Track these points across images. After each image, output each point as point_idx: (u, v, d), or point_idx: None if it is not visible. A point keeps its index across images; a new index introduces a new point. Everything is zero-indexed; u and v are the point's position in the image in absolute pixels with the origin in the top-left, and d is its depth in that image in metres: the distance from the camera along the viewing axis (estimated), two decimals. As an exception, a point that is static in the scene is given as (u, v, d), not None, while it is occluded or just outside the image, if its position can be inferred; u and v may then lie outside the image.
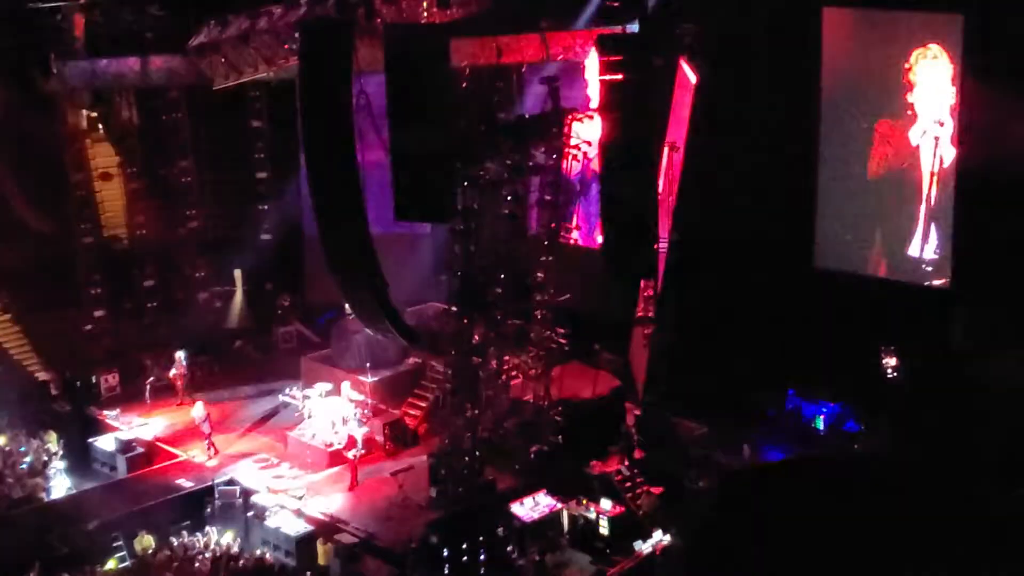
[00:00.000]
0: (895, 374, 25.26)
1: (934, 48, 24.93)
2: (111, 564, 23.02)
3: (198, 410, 27.77)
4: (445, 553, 22.17)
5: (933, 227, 25.61)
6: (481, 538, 22.54)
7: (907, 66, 25.44)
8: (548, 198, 27.08)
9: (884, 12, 25.43)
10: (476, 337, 26.19)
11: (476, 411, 25.76)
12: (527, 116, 28.08)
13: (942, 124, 25.12)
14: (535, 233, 27.98)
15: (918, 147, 25.46)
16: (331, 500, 25.35)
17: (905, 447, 22.99)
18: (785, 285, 25.77)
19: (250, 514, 24.78)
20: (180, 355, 30.41)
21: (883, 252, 26.44)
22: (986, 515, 19.34)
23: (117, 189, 33.91)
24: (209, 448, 27.47)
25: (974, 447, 22.42)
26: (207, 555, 22.77)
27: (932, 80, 25.12)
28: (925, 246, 25.84)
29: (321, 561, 23.39)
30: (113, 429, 28.85)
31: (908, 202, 25.74)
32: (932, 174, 25.50)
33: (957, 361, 24.16)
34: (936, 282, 25.60)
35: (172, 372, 30.29)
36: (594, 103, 28.11)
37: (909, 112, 25.56)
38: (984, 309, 23.81)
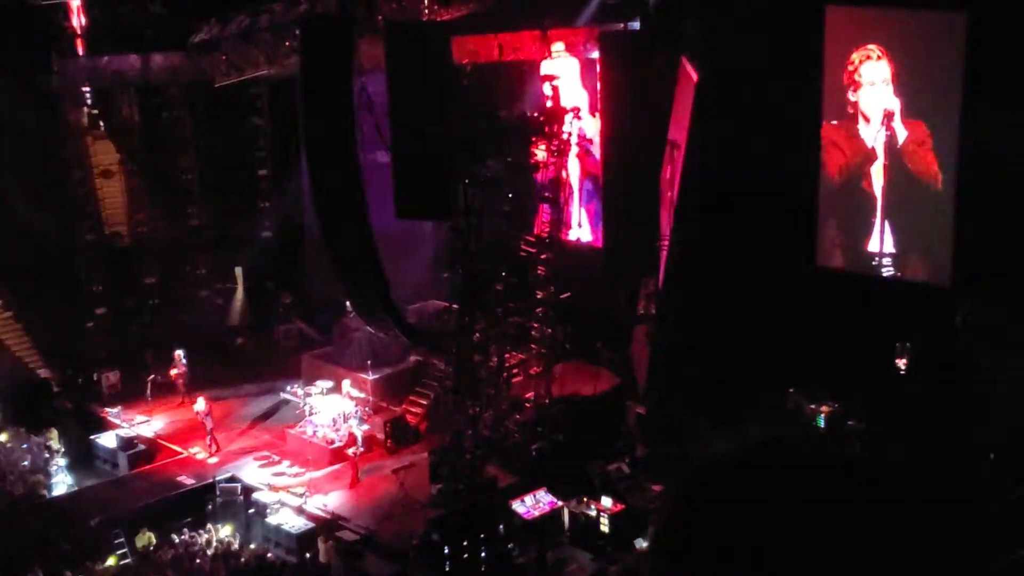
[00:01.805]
0: (904, 371, 25.27)
1: (875, 49, 24.89)
2: (112, 561, 23.04)
3: (201, 404, 27.76)
4: (446, 550, 22.19)
5: (887, 223, 25.63)
6: (482, 536, 22.56)
7: (851, 67, 25.39)
8: (549, 196, 27.09)
9: (864, 10, 25.40)
10: (477, 335, 26.21)
11: (477, 409, 25.78)
12: (528, 114, 28.09)
13: (891, 119, 25.05)
14: (536, 231, 28.01)
15: (873, 148, 25.46)
16: (332, 497, 25.37)
17: (904, 445, 23.00)
18: (787, 283, 25.75)
19: (251, 511, 24.82)
20: (179, 354, 30.30)
21: (841, 246, 26.51)
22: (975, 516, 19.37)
23: (118, 186, 33.92)
24: (211, 444, 27.50)
25: (975, 446, 22.42)
26: (208, 552, 22.80)
27: (876, 80, 25.05)
28: (883, 241, 25.86)
29: (322, 558, 23.41)
30: (114, 426, 28.87)
31: (866, 199, 25.81)
32: (884, 169, 25.46)
33: (959, 360, 24.14)
34: (888, 273, 25.69)
35: (173, 372, 30.18)
36: (596, 101, 28.16)
37: (851, 111, 25.56)
38: (986, 308, 23.79)
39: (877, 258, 25.84)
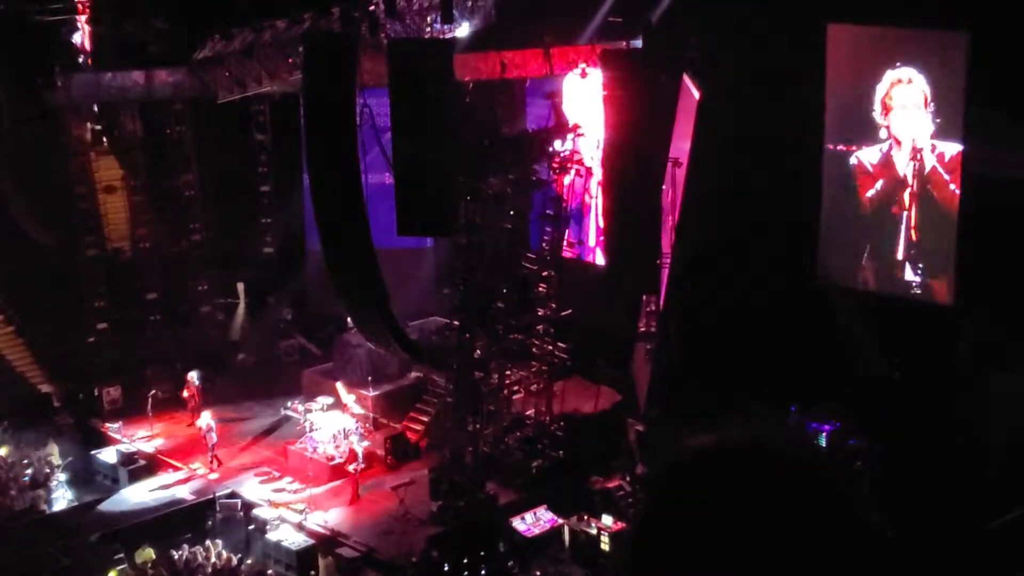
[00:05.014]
0: (906, 389, 25.23)
1: (906, 71, 24.80)
2: (112, 576, 23.04)
3: (205, 420, 27.71)
4: (446, 568, 22.15)
5: (915, 250, 25.49)
6: (482, 553, 22.52)
7: (883, 90, 25.26)
8: (550, 213, 27.12)
9: (880, 28, 25.38)
10: (478, 351, 26.21)
11: (478, 425, 25.76)
12: (530, 131, 28.13)
13: (920, 149, 24.90)
14: (537, 248, 28.02)
15: (905, 176, 25.34)
16: (332, 514, 25.33)
17: (904, 463, 22.97)
18: (788, 301, 25.73)
19: (251, 527, 24.78)
20: (193, 375, 30.17)
21: (873, 271, 26.35)
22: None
23: (121, 202, 33.99)
24: (212, 460, 27.45)
25: (975, 465, 22.39)
26: (208, 568, 22.75)
27: (907, 102, 24.91)
28: (911, 268, 25.71)
29: (322, 575, 23.37)
30: (115, 441, 28.85)
31: (895, 224, 25.66)
32: (912, 195, 25.36)
33: (962, 378, 24.12)
34: (917, 296, 25.53)
35: (185, 393, 29.97)
36: (597, 119, 28.20)
37: (885, 137, 25.43)
38: (988, 326, 23.78)
39: (907, 285, 25.67)
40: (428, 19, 26.73)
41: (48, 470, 26.83)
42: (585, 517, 24.11)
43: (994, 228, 23.50)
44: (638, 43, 27.96)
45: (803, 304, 25.81)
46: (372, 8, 26.11)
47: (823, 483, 2.32)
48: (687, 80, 26.48)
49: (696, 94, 25.99)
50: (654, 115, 26.99)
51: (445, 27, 26.55)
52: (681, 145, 26.63)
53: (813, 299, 26.15)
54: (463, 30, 27.59)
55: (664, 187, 27.29)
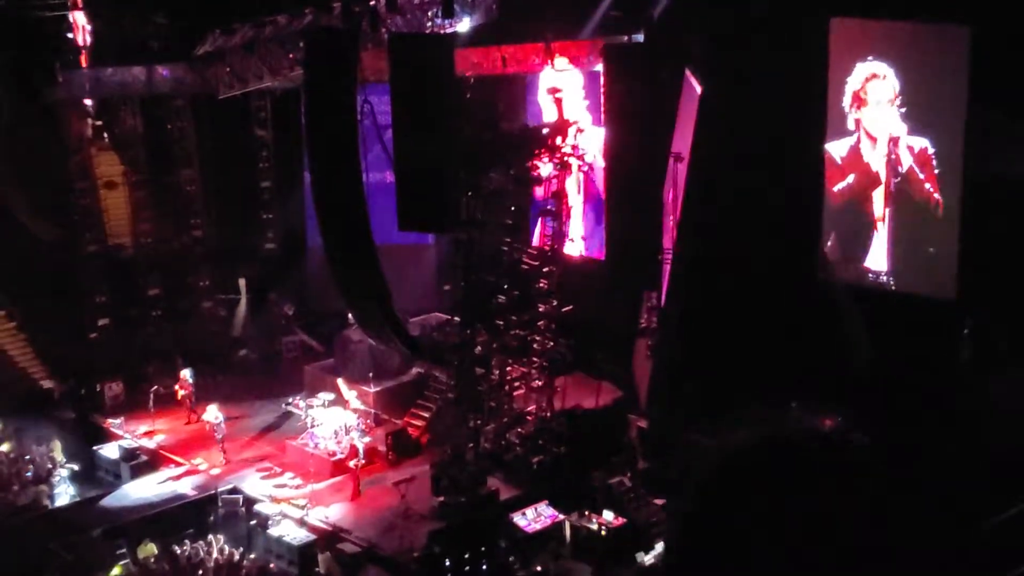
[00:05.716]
0: (907, 384, 25.23)
1: (879, 66, 24.72)
2: (117, 571, 23.03)
3: (211, 413, 27.69)
4: (447, 563, 22.16)
5: (889, 245, 25.46)
6: (483, 548, 22.54)
7: (856, 83, 25.17)
8: (551, 208, 27.10)
9: (874, 22, 25.31)
10: (479, 347, 26.20)
11: (479, 421, 25.77)
12: (531, 126, 28.11)
13: (896, 143, 24.82)
14: (538, 244, 28.01)
15: (877, 171, 25.28)
16: (333, 509, 25.35)
17: (904, 458, 22.95)
18: (789, 296, 25.71)
19: (253, 523, 24.80)
20: (186, 373, 30.04)
21: (841, 261, 26.34)
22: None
23: (121, 198, 34.00)
24: (223, 453, 27.44)
25: (975, 465, 22.39)
26: (210, 564, 22.78)
27: (881, 97, 24.83)
28: (885, 260, 25.68)
29: (323, 570, 23.39)
30: (117, 437, 28.85)
31: (871, 220, 25.61)
32: (888, 192, 25.29)
33: (962, 375, 24.11)
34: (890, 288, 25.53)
35: (180, 392, 29.82)
36: (599, 113, 28.19)
37: (853, 130, 25.37)
38: (988, 326, 23.76)
39: (876, 275, 25.73)
40: (429, 14, 26.71)
41: (50, 465, 26.86)
42: (586, 513, 24.13)
43: (994, 227, 23.48)
44: (640, 37, 27.96)
45: (804, 300, 25.80)
46: (373, 3, 26.09)
47: (865, 479, 2.34)
48: (689, 75, 26.45)
49: (698, 88, 25.96)
50: (656, 109, 27.00)
51: (446, 22, 26.52)
52: (683, 140, 26.61)
53: (813, 296, 26.14)
54: (464, 25, 27.58)
55: (665, 182, 27.27)
